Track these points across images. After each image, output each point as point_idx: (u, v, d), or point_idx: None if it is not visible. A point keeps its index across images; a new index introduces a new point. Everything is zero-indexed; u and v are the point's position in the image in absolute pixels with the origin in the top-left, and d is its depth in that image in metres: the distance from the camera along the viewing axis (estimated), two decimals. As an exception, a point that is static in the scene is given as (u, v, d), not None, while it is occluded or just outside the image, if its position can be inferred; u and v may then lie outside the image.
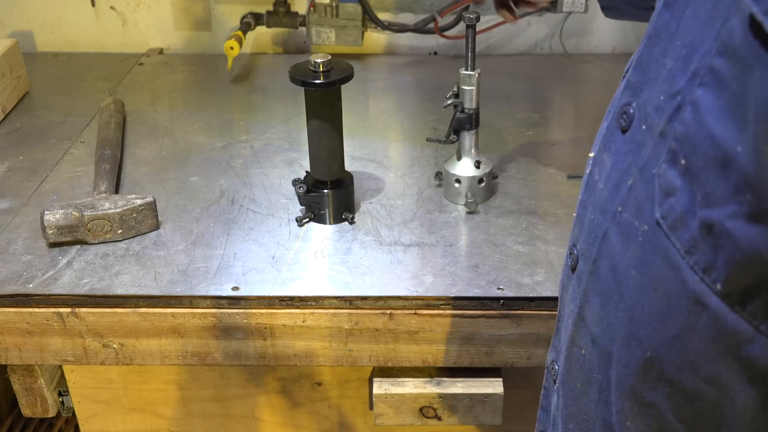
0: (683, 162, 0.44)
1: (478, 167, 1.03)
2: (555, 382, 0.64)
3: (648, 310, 0.48)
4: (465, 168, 1.03)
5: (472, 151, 1.03)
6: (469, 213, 1.02)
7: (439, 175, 1.08)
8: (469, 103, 1.00)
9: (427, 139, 1.10)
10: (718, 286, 0.43)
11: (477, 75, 0.99)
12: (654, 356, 0.48)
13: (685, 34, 0.45)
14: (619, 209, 0.50)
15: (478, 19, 0.96)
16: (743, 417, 0.46)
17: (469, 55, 0.98)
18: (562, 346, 0.62)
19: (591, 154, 0.57)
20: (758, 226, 0.40)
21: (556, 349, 0.64)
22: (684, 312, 0.45)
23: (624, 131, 0.51)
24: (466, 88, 0.99)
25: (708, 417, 0.48)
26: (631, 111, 0.50)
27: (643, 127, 0.49)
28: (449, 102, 1.00)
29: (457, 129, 1.01)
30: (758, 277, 0.41)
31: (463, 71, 0.99)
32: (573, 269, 0.58)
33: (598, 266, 0.53)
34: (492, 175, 1.05)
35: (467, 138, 1.02)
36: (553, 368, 0.65)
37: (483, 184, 1.03)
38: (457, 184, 1.03)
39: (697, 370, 0.46)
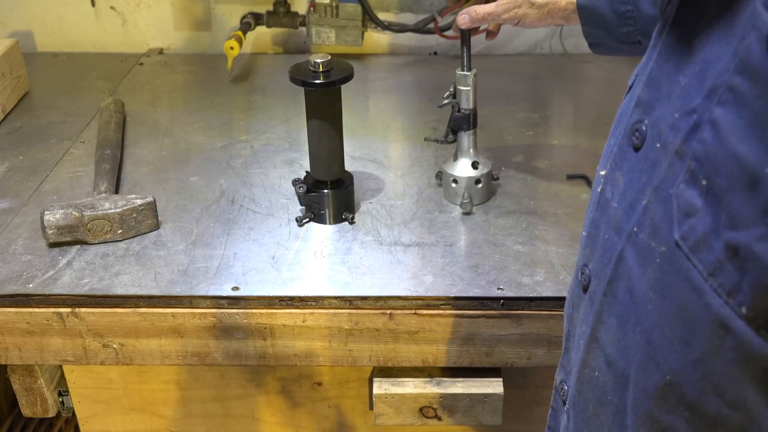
0: (704, 182, 0.43)
1: (475, 168, 1.02)
2: (565, 403, 0.63)
3: (669, 333, 0.47)
4: (462, 168, 1.02)
5: (471, 151, 1.02)
6: (464, 214, 1.01)
7: (440, 174, 1.08)
8: (466, 104, 1.00)
9: (425, 139, 1.10)
10: (744, 310, 0.42)
11: (473, 75, 0.98)
12: (674, 380, 0.47)
13: (698, 50, 0.44)
14: (635, 230, 0.49)
15: None
16: None
17: (465, 55, 0.98)
18: (572, 366, 0.61)
19: (602, 172, 0.56)
20: None
21: (565, 369, 0.63)
22: (707, 335, 0.44)
23: (637, 149, 0.50)
24: (462, 88, 0.99)
25: None
26: (644, 128, 0.49)
27: (657, 145, 0.48)
28: (445, 102, 1.00)
29: (454, 129, 1.01)
30: None
31: (459, 71, 0.99)
32: (585, 289, 0.57)
33: (614, 287, 0.52)
34: (491, 177, 1.05)
35: (465, 138, 1.02)
36: (562, 388, 0.64)
37: (480, 185, 1.03)
38: (454, 184, 1.03)
39: (721, 394, 0.45)
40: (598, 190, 0.56)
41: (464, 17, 0.94)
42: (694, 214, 0.44)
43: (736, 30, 0.41)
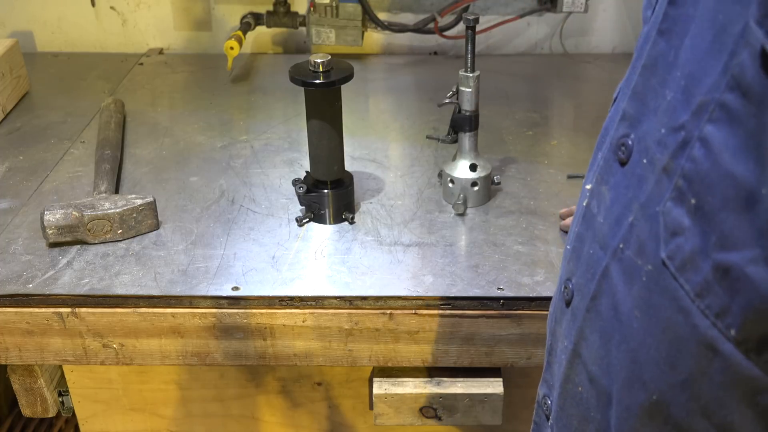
0: (693, 201, 0.42)
1: (473, 170, 1.02)
2: (548, 419, 0.63)
3: (654, 352, 0.46)
4: (460, 170, 1.02)
5: (471, 153, 1.02)
6: (457, 215, 1.01)
7: (441, 174, 1.08)
8: (468, 105, 0.99)
9: (427, 136, 1.10)
10: (733, 332, 0.41)
11: (476, 77, 0.98)
12: (661, 400, 0.47)
13: (684, 64, 0.43)
14: (621, 246, 0.49)
15: (477, 20, 0.95)
16: None
17: (469, 56, 0.97)
18: (555, 381, 0.60)
19: (587, 186, 0.55)
20: None
21: (548, 383, 0.63)
22: (695, 356, 0.44)
23: (623, 164, 0.49)
24: (464, 89, 0.99)
25: None
26: (630, 143, 0.49)
27: (644, 161, 0.47)
28: (446, 101, 1.00)
29: (455, 129, 1.01)
30: None
31: (462, 72, 0.98)
32: (568, 304, 0.56)
33: (597, 303, 0.52)
34: (490, 181, 1.04)
35: (466, 139, 1.01)
36: (545, 403, 0.63)
37: (477, 187, 1.02)
38: (451, 185, 1.03)
39: (709, 416, 0.44)
40: (584, 204, 0.55)
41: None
42: (681, 234, 0.43)
43: (726, 45, 0.39)
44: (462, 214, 1.01)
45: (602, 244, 0.51)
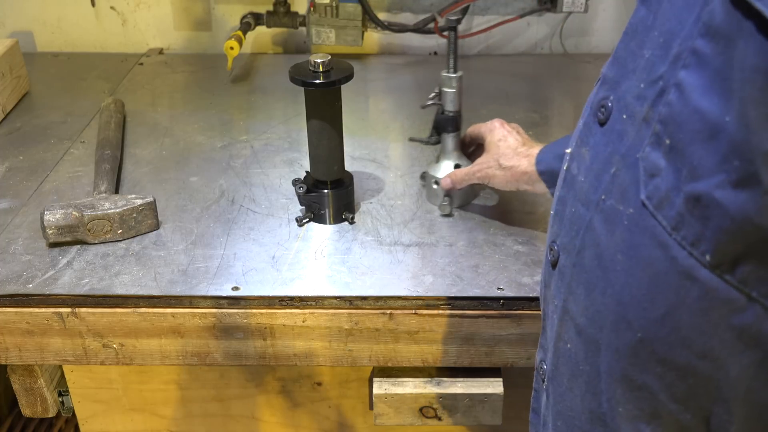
0: (668, 142, 0.45)
1: None
2: (544, 382, 0.64)
3: (636, 291, 0.49)
4: (445, 170, 1.02)
5: (454, 153, 1.02)
6: (443, 215, 1.01)
7: (424, 175, 1.08)
8: (450, 106, 0.99)
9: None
10: (707, 258, 0.44)
11: (458, 77, 0.98)
12: (644, 337, 0.49)
13: (662, 23, 0.46)
14: (603, 197, 0.51)
15: (459, 21, 0.96)
16: (738, 388, 0.47)
17: (451, 56, 0.97)
18: (549, 344, 0.62)
19: (567, 150, 0.58)
20: (746, 191, 0.41)
21: (544, 348, 0.64)
22: (674, 288, 0.46)
23: (602, 124, 0.52)
24: (447, 90, 0.99)
25: (702, 392, 0.48)
26: (609, 104, 0.51)
27: (624, 116, 0.49)
28: (429, 103, 1.00)
29: (438, 130, 1.01)
30: (747, 243, 0.42)
31: (444, 73, 0.98)
32: (554, 265, 0.59)
33: (582, 257, 0.54)
34: None
35: (449, 140, 1.01)
36: (541, 368, 0.65)
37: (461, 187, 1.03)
38: (435, 186, 1.03)
39: (690, 345, 0.47)
40: (564, 168, 0.58)
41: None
42: (658, 174, 0.46)
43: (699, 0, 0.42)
44: (449, 215, 1.01)
45: (584, 201, 0.54)
